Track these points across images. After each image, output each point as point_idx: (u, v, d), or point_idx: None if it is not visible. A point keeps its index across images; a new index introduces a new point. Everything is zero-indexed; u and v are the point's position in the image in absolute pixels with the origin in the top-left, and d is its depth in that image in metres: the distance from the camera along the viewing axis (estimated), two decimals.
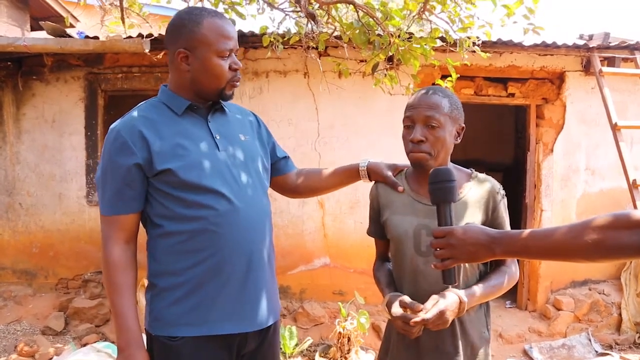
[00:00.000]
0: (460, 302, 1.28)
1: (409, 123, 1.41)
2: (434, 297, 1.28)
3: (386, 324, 1.54)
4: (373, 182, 1.59)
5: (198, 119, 1.41)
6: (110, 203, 1.33)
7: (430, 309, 1.25)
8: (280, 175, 1.66)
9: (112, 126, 1.36)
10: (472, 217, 1.38)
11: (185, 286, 1.33)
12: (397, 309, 1.31)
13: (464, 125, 1.44)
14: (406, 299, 1.33)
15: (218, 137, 1.40)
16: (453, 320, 1.31)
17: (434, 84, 3.99)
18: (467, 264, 1.36)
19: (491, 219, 1.41)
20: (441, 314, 1.24)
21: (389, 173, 1.53)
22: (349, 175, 1.65)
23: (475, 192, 1.42)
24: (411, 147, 1.39)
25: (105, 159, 1.34)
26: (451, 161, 1.49)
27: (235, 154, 1.42)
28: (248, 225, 1.36)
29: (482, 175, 1.48)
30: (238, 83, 1.41)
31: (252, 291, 1.38)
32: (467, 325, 1.39)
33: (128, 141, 1.30)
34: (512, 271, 1.43)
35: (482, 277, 1.42)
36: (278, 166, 1.65)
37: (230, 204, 1.33)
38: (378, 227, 1.54)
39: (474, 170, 1.49)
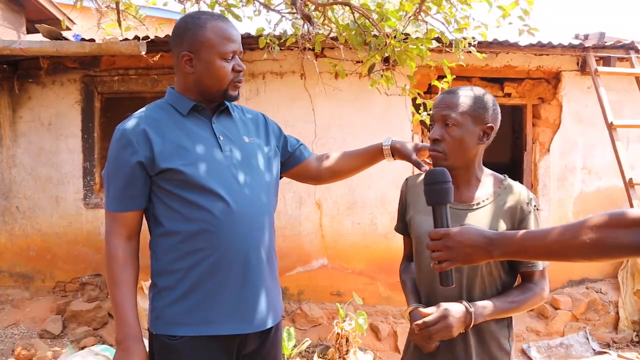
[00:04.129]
0: (467, 311, 1.25)
1: (431, 122, 1.40)
2: (442, 304, 1.27)
3: (408, 334, 1.50)
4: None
5: (202, 120, 1.44)
6: (113, 199, 1.37)
7: (434, 312, 1.25)
8: (300, 164, 1.66)
9: (118, 126, 1.39)
10: (495, 224, 1.34)
11: (183, 285, 1.35)
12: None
13: (493, 125, 1.36)
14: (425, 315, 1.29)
15: (222, 139, 1.42)
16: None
17: (430, 84, 4.00)
18: (485, 277, 1.34)
19: (518, 230, 1.34)
20: (443, 318, 1.23)
21: (413, 153, 1.53)
22: (372, 155, 1.65)
23: (503, 200, 1.37)
24: (429, 146, 1.39)
25: (110, 157, 1.37)
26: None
27: (238, 155, 1.43)
28: (245, 226, 1.37)
29: (514, 183, 1.42)
30: (240, 84, 1.43)
31: (251, 292, 1.39)
32: (486, 334, 1.35)
33: (132, 140, 1.33)
34: (538, 289, 1.34)
35: (505, 291, 1.36)
36: (294, 156, 1.66)
37: (227, 206, 1.34)
38: (404, 224, 1.53)
39: (507, 176, 1.45)
